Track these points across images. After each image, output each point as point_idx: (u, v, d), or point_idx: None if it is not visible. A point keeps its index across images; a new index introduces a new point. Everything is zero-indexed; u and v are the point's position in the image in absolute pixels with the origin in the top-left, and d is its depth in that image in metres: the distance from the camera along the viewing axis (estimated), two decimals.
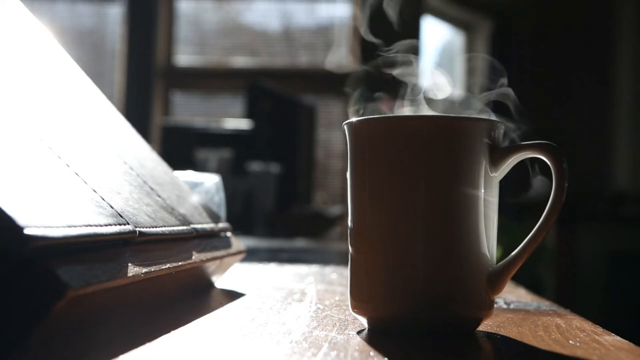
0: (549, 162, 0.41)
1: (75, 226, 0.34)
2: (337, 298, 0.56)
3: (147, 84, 3.64)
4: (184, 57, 3.77)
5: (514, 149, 0.42)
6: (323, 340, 0.38)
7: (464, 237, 0.41)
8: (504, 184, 0.43)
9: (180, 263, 0.47)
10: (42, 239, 0.30)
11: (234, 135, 2.51)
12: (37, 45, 0.55)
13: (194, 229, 0.54)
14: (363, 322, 0.43)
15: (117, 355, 0.32)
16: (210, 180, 0.74)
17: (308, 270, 0.80)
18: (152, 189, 0.53)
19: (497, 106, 0.46)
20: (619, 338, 0.41)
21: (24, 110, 0.42)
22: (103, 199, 0.41)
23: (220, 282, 0.64)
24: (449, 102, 0.46)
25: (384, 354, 0.35)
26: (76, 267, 0.32)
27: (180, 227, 0.51)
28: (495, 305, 0.44)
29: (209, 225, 0.60)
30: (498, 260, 0.43)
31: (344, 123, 0.44)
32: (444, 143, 0.40)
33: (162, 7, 3.71)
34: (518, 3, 3.59)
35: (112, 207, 0.41)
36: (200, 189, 0.71)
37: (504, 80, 0.46)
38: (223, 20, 3.81)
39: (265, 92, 2.60)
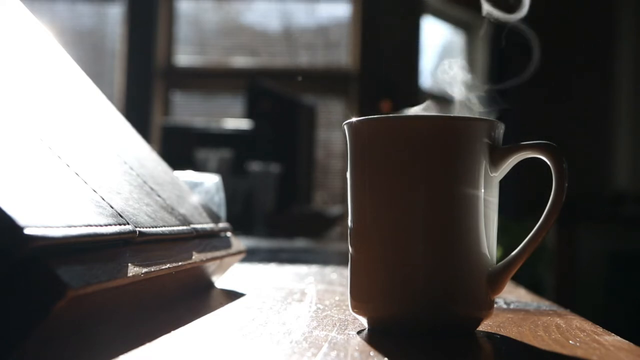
0: (549, 162, 0.41)
1: (75, 226, 0.34)
2: (337, 298, 0.56)
3: (147, 84, 3.65)
4: (184, 57, 3.77)
5: (514, 149, 0.42)
6: (323, 340, 0.38)
7: (464, 237, 0.41)
8: (503, 183, 0.43)
9: (180, 263, 0.47)
10: (42, 239, 0.30)
11: (234, 135, 2.51)
12: (37, 45, 0.55)
13: (194, 229, 0.54)
14: (363, 322, 0.43)
15: (117, 355, 0.32)
16: (210, 180, 0.74)
17: (308, 270, 0.80)
18: (152, 189, 0.53)
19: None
20: (619, 338, 0.41)
21: (24, 110, 0.42)
22: (103, 199, 0.41)
23: (220, 282, 0.64)
24: (449, 101, 0.46)
25: (384, 354, 0.35)
26: (76, 267, 0.32)
27: (180, 227, 0.51)
28: (495, 305, 0.44)
29: (209, 225, 0.60)
30: (498, 260, 0.43)
31: (344, 123, 0.44)
32: (444, 143, 0.40)
33: (162, 7, 3.71)
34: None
35: (112, 207, 0.41)
36: (200, 189, 0.71)
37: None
38: (223, 20, 3.82)
39: (265, 92, 2.60)
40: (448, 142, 0.40)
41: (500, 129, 0.43)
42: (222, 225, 0.64)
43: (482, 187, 0.41)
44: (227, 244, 0.62)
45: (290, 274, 0.75)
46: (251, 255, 0.94)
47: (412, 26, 3.57)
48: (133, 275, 0.38)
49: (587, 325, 0.45)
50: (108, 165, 0.49)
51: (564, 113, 3.49)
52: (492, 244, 0.42)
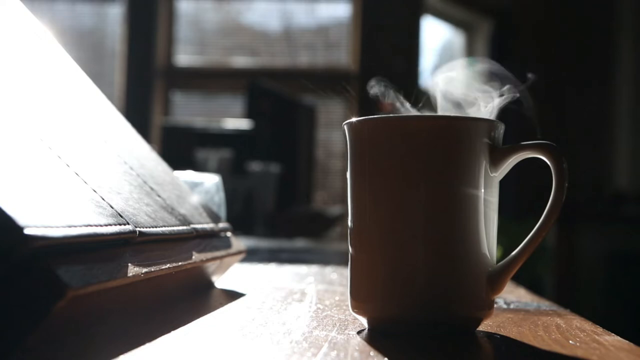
0: (549, 162, 0.41)
1: (75, 226, 0.34)
2: (337, 298, 0.56)
3: (147, 84, 3.64)
4: (184, 57, 3.77)
5: (514, 149, 0.42)
6: (323, 340, 0.38)
7: (464, 237, 0.41)
8: (503, 183, 0.43)
9: (180, 263, 0.47)
10: (42, 239, 0.30)
11: (234, 135, 2.51)
12: (37, 45, 0.55)
13: (194, 229, 0.54)
14: (363, 322, 0.43)
15: (117, 355, 0.32)
16: (210, 180, 0.74)
17: (308, 270, 0.80)
18: (152, 189, 0.53)
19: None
20: (619, 338, 0.41)
21: (24, 110, 0.42)
22: (103, 199, 0.41)
23: (220, 282, 0.64)
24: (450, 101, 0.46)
25: (384, 354, 0.35)
26: (76, 267, 0.32)
27: (180, 227, 0.51)
28: (495, 305, 0.44)
29: (209, 225, 0.60)
30: (498, 260, 0.43)
31: (344, 123, 0.44)
32: (444, 143, 0.40)
33: (162, 7, 3.71)
34: (518, 3, 3.59)
35: (112, 207, 0.41)
36: (200, 189, 0.71)
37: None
38: (223, 20, 3.81)
39: (265, 92, 2.60)
40: (448, 142, 0.40)
41: (500, 129, 0.43)
42: (222, 225, 0.64)
43: (482, 187, 0.41)
44: (227, 244, 0.62)
45: (290, 274, 0.75)
46: (251, 255, 0.94)
47: (412, 26, 3.57)
48: (133, 275, 0.38)
49: (587, 325, 0.45)
50: (108, 165, 0.49)
51: (564, 113, 3.49)
52: (492, 244, 0.42)
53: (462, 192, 0.40)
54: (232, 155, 2.17)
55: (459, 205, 0.40)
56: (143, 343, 0.35)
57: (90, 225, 0.36)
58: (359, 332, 0.41)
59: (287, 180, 2.41)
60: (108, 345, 0.34)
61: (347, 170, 0.44)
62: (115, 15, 3.74)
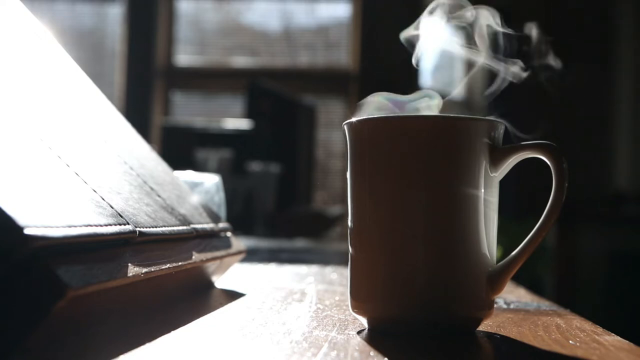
0: (549, 162, 0.41)
1: (75, 226, 0.34)
2: (337, 298, 0.56)
3: (147, 84, 3.64)
4: (184, 57, 3.77)
5: (514, 149, 0.42)
6: (323, 340, 0.38)
7: (464, 237, 0.41)
8: (503, 183, 0.43)
9: (180, 263, 0.47)
10: (42, 239, 0.30)
11: (234, 135, 2.51)
12: (37, 45, 0.55)
13: (194, 229, 0.54)
14: (363, 322, 0.43)
15: (117, 355, 0.32)
16: (210, 180, 0.74)
17: (308, 270, 0.80)
18: (152, 189, 0.53)
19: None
20: (619, 338, 0.41)
21: (24, 110, 0.42)
22: (103, 199, 0.41)
23: (220, 282, 0.64)
24: (450, 101, 0.46)
25: (384, 354, 0.35)
26: (76, 267, 0.32)
27: (180, 227, 0.51)
28: (495, 305, 0.44)
29: (209, 225, 0.60)
30: (498, 260, 0.43)
31: (344, 123, 0.44)
32: (444, 143, 0.40)
33: (162, 7, 3.71)
34: (519, 3, 3.59)
35: (112, 207, 0.41)
36: (200, 189, 0.71)
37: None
38: (223, 20, 3.81)
39: (265, 92, 2.60)
40: (448, 142, 0.40)
41: (501, 128, 0.43)
42: (222, 225, 0.64)
43: (482, 187, 0.41)
44: (227, 244, 0.62)
45: (290, 274, 0.75)
46: (251, 255, 0.94)
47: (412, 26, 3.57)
48: (133, 275, 0.38)
49: (587, 325, 0.45)
50: (108, 165, 0.49)
51: (564, 113, 3.49)
52: (492, 244, 0.42)
53: (462, 192, 0.40)
54: (232, 155, 2.17)
55: (459, 205, 0.40)
56: (143, 343, 0.35)
57: (90, 225, 0.36)
58: (359, 332, 0.41)
59: (287, 180, 2.41)
60: (108, 345, 0.34)
61: (347, 170, 0.44)
62: (115, 15, 3.74)
